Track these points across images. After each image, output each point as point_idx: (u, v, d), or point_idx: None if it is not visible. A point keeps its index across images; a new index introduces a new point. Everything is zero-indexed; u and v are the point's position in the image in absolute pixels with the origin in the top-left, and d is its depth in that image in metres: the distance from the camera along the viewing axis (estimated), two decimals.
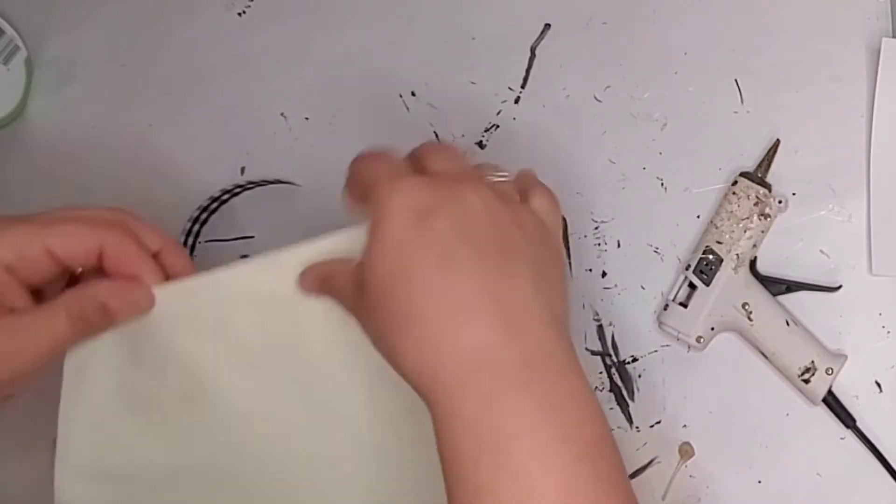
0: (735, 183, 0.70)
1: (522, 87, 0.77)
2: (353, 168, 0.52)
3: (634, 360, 0.72)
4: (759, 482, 0.69)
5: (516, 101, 0.76)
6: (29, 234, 0.54)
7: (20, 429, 0.80)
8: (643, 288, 0.72)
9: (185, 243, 0.77)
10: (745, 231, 0.68)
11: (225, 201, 0.78)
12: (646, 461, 0.70)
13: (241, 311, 0.56)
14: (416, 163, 0.52)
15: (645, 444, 0.70)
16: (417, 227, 0.46)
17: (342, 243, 0.53)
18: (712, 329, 0.69)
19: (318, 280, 0.53)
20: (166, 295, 0.56)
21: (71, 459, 0.58)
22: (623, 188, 0.74)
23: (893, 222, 0.69)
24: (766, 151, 0.71)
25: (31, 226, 0.55)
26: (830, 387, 0.67)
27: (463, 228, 0.46)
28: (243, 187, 0.78)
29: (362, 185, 0.50)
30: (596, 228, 0.74)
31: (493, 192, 0.49)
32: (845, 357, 0.68)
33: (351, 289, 0.49)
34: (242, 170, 0.80)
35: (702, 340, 0.68)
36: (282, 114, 0.80)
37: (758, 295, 0.68)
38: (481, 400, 0.43)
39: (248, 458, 0.57)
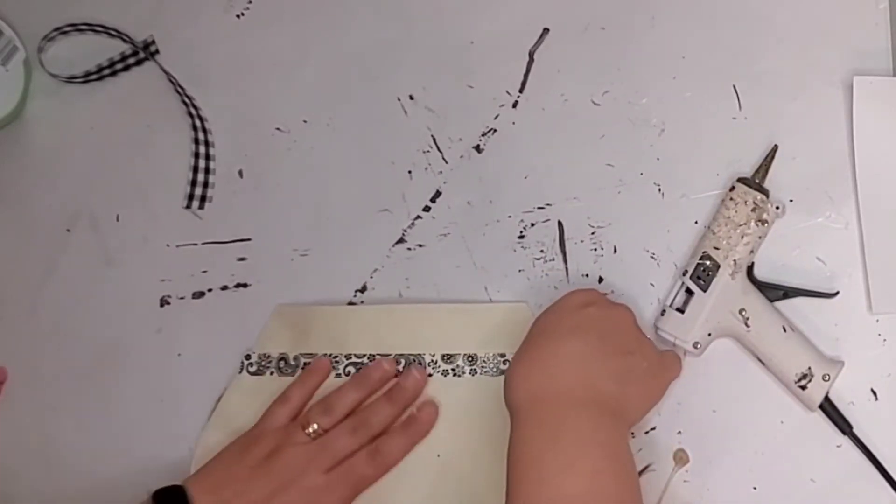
0: (733, 189, 0.69)
1: (520, 91, 0.77)
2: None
3: None
4: (755, 489, 0.68)
5: (514, 106, 0.76)
6: None
7: (20, 429, 0.81)
8: (640, 294, 0.72)
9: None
10: (742, 237, 0.68)
11: None
12: (641, 467, 0.70)
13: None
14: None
15: (640, 450, 0.70)
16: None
17: (511, 311, 0.73)
18: (709, 335, 0.68)
19: None
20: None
21: (233, 413, 0.75)
22: (620, 193, 0.74)
23: (888, 262, 0.69)
24: (763, 157, 0.71)
25: None
26: (827, 393, 0.67)
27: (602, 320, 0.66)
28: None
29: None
30: (593, 233, 0.74)
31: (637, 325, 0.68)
32: (842, 363, 0.68)
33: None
34: (240, 172, 0.80)
35: (699, 346, 0.68)
36: (280, 116, 0.80)
37: (755, 301, 0.68)
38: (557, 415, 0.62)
39: None
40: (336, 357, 0.74)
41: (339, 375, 0.74)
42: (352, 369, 0.74)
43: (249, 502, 0.67)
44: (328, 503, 0.69)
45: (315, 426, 0.70)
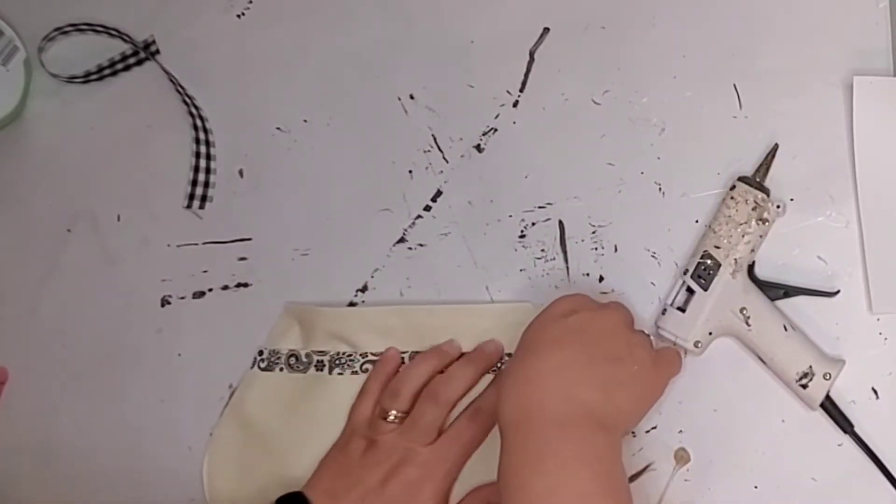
0: (733, 188, 0.69)
1: (521, 90, 0.77)
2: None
3: None
4: (756, 487, 0.68)
5: (515, 105, 0.76)
6: None
7: (20, 429, 0.81)
8: (640, 293, 0.72)
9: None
10: (743, 236, 0.68)
11: None
12: (641, 466, 0.70)
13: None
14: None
15: (641, 449, 0.70)
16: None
17: (510, 312, 0.73)
18: (710, 334, 0.68)
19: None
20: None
21: (245, 408, 0.75)
22: (621, 192, 0.74)
23: (888, 262, 0.69)
24: (764, 156, 0.71)
25: None
26: (828, 392, 0.67)
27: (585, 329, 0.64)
28: None
29: None
30: (593, 233, 0.74)
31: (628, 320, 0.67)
32: (843, 362, 0.68)
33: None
34: (241, 172, 0.80)
35: (699, 345, 0.68)
36: (280, 116, 0.80)
37: (756, 300, 0.68)
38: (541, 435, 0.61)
39: None
40: (350, 355, 0.74)
41: (354, 372, 0.74)
42: (369, 366, 0.74)
43: (366, 490, 0.67)
44: (442, 472, 0.68)
45: (393, 412, 0.70)
